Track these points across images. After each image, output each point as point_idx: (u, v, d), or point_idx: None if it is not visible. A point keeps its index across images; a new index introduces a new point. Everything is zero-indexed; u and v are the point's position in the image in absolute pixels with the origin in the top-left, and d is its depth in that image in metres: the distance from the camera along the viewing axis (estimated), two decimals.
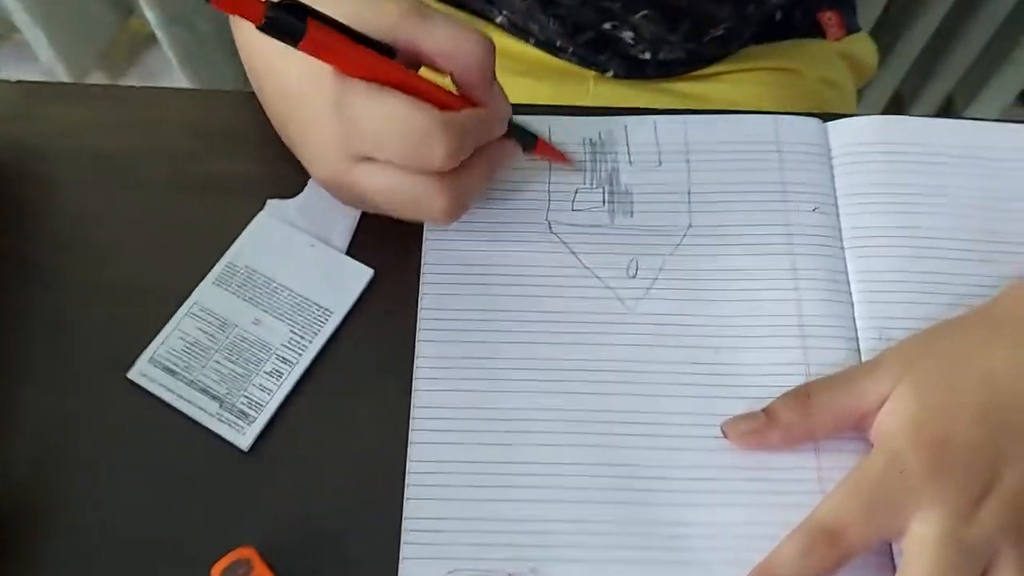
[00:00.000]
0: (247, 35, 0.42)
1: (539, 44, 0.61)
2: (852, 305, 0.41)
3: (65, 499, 0.38)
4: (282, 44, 0.33)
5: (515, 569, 0.36)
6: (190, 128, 0.46)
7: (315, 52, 0.34)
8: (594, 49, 0.60)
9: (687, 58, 0.61)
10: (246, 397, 0.39)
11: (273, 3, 0.32)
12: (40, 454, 0.38)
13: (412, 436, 0.39)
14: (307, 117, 0.38)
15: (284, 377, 0.40)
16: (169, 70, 1.15)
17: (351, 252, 0.42)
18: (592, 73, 0.62)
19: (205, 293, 0.42)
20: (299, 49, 0.33)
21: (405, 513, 0.37)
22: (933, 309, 0.41)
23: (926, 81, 1.09)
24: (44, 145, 0.45)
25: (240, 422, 0.39)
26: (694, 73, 0.62)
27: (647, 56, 0.60)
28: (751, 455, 0.38)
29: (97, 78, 1.24)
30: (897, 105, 1.17)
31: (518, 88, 0.58)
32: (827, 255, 0.42)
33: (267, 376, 0.40)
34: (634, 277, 0.42)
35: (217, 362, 0.40)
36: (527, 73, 0.62)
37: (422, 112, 0.35)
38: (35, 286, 0.42)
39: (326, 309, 0.41)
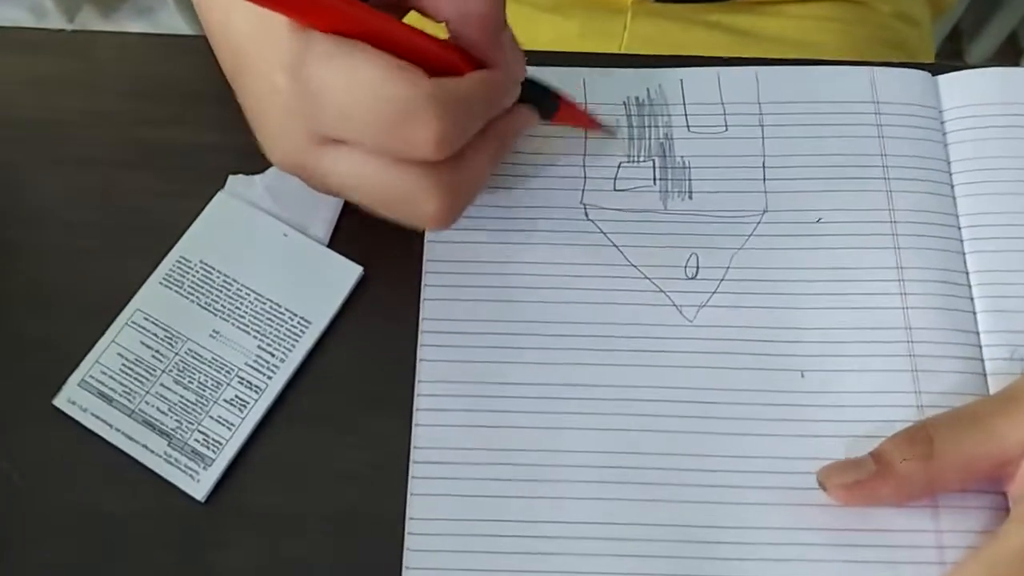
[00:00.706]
0: None
1: None
2: (974, 314, 0.35)
3: None
4: None
5: None
6: (135, 85, 0.41)
7: None
8: None
9: None
10: (201, 432, 0.34)
11: None
12: None
13: (412, 485, 0.33)
14: (259, 83, 0.32)
15: (249, 407, 0.34)
16: (163, 2, 1.16)
17: (334, 244, 0.38)
18: None
19: (150, 297, 0.36)
20: None
21: None
22: None
23: (988, 15, 1.07)
24: None
25: (194, 465, 0.34)
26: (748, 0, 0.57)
27: None
28: (850, 513, 0.32)
29: (88, 12, 1.25)
30: (954, 42, 1.15)
31: (540, 27, 0.55)
32: (941, 248, 0.36)
33: (228, 405, 0.34)
34: (694, 278, 0.36)
35: (164, 386, 0.35)
36: (552, 7, 0.56)
37: (403, 79, 0.28)
38: None
39: (303, 318, 0.36)
